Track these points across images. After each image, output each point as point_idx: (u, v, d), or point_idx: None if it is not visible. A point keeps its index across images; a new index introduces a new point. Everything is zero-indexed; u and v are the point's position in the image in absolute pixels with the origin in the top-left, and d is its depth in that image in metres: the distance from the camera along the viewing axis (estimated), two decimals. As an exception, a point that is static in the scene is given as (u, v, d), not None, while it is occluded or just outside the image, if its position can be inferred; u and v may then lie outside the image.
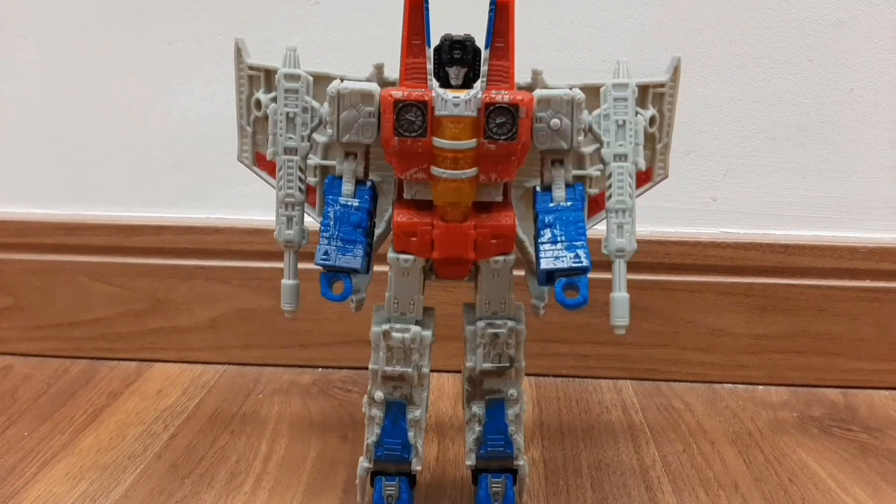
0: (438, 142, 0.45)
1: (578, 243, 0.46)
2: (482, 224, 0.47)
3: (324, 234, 0.47)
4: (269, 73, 0.52)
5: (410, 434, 0.51)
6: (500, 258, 0.49)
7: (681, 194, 0.76)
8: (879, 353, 0.76)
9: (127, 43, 0.77)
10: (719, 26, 0.73)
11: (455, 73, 0.46)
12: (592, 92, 0.49)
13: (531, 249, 0.52)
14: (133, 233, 0.78)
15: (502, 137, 0.45)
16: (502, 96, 0.45)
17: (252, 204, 0.77)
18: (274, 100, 0.50)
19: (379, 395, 0.51)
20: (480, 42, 0.47)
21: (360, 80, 0.49)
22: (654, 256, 0.75)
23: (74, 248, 0.79)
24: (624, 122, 0.47)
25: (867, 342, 0.76)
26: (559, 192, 0.48)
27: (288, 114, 0.48)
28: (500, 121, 0.45)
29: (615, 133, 0.47)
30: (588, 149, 0.52)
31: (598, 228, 0.49)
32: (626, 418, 0.70)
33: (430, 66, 0.47)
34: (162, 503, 0.56)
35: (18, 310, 0.80)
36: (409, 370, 0.50)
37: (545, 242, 0.47)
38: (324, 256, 0.47)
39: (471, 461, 0.53)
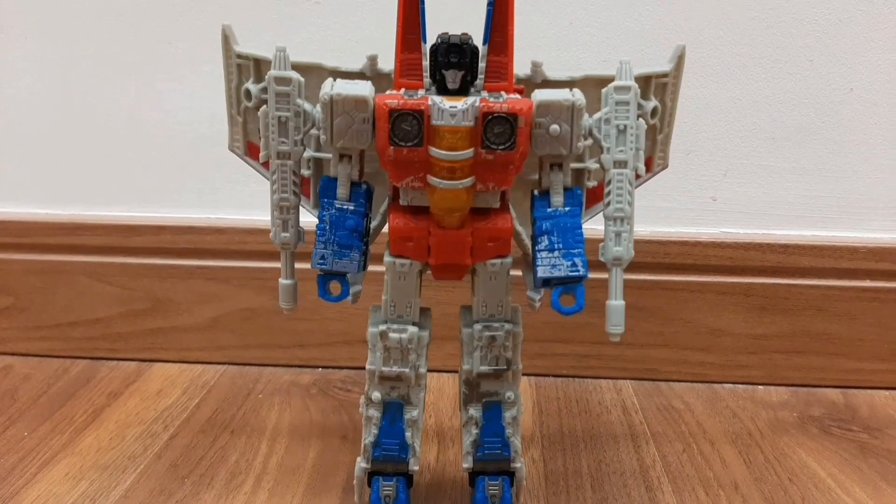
0: (435, 152, 0.44)
1: (576, 251, 0.46)
2: (479, 229, 0.47)
3: (320, 238, 0.47)
4: (259, 63, 0.51)
5: (408, 434, 0.51)
6: (498, 261, 0.49)
7: (681, 194, 0.76)
8: (879, 353, 0.76)
9: (127, 43, 0.77)
10: (719, 26, 0.73)
11: (452, 77, 0.45)
12: (593, 83, 0.48)
13: (528, 241, 0.52)
14: (133, 233, 0.78)
15: (500, 147, 0.44)
16: (501, 105, 0.43)
17: (252, 204, 0.77)
18: (264, 91, 0.49)
19: (376, 395, 0.51)
20: (478, 39, 0.46)
21: (354, 72, 0.48)
22: (653, 256, 0.74)
23: (75, 248, 0.79)
24: (625, 126, 0.46)
25: (867, 342, 0.76)
26: (557, 198, 0.47)
27: (280, 118, 0.47)
28: (499, 130, 0.44)
29: (616, 138, 0.47)
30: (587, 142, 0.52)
31: (597, 230, 0.49)
32: (626, 418, 0.70)
33: (425, 63, 0.46)
34: (162, 503, 0.56)
35: (19, 310, 0.81)
36: (407, 370, 0.50)
37: (542, 250, 0.47)
38: (321, 261, 0.47)
39: (468, 464, 0.52)
